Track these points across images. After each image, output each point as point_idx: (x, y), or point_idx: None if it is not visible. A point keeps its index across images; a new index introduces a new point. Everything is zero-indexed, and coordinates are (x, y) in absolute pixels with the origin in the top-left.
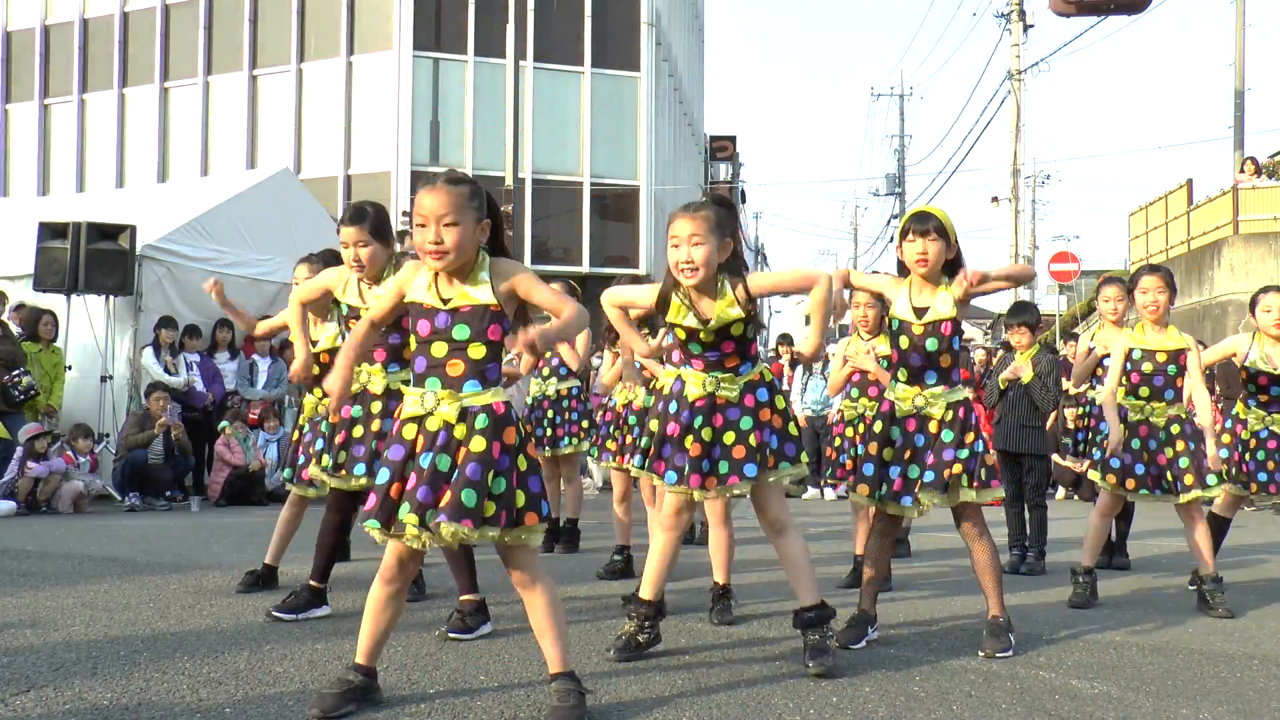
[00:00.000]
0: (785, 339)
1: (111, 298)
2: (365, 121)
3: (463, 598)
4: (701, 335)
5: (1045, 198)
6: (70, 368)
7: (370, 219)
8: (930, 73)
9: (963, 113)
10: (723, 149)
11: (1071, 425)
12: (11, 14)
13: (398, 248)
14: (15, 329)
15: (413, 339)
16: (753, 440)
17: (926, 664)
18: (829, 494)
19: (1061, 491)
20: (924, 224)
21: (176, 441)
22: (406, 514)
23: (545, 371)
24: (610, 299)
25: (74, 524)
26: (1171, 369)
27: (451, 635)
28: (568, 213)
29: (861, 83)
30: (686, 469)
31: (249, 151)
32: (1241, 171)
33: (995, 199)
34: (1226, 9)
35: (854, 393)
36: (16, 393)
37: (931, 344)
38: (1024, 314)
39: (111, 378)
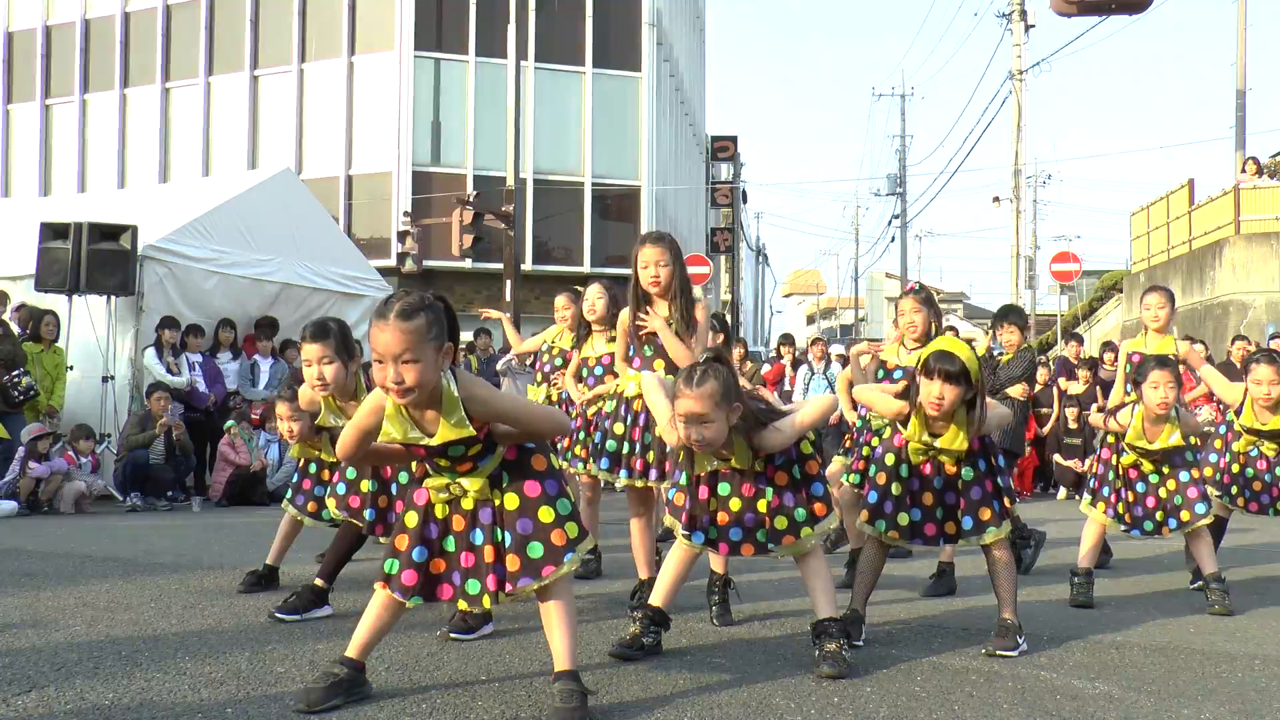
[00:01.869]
0: (786, 339)
1: (113, 298)
2: (366, 122)
3: None
4: (733, 463)
5: (1046, 198)
6: (72, 368)
7: (334, 335)
8: (931, 73)
9: (964, 113)
10: (724, 149)
11: (1073, 425)
12: (13, 14)
13: (359, 362)
14: (16, 329)
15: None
16: (777, 517)
17: (928, 664)
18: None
19: (1063, 491)
20: (950, 365)
21: (178, 442)
22: (477, 591)
23: (539, 378)
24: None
25: (75, 524)
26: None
27: (454, 635)
28: (569, 213)
29: (863, 83)
30: (716, 537)
31: (250, 152)
32: (1243, 171)
33: (996, 199)
34: (1228, 9)
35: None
36: (16, 393)
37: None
38: (1013, 314)
39: (113, 378)
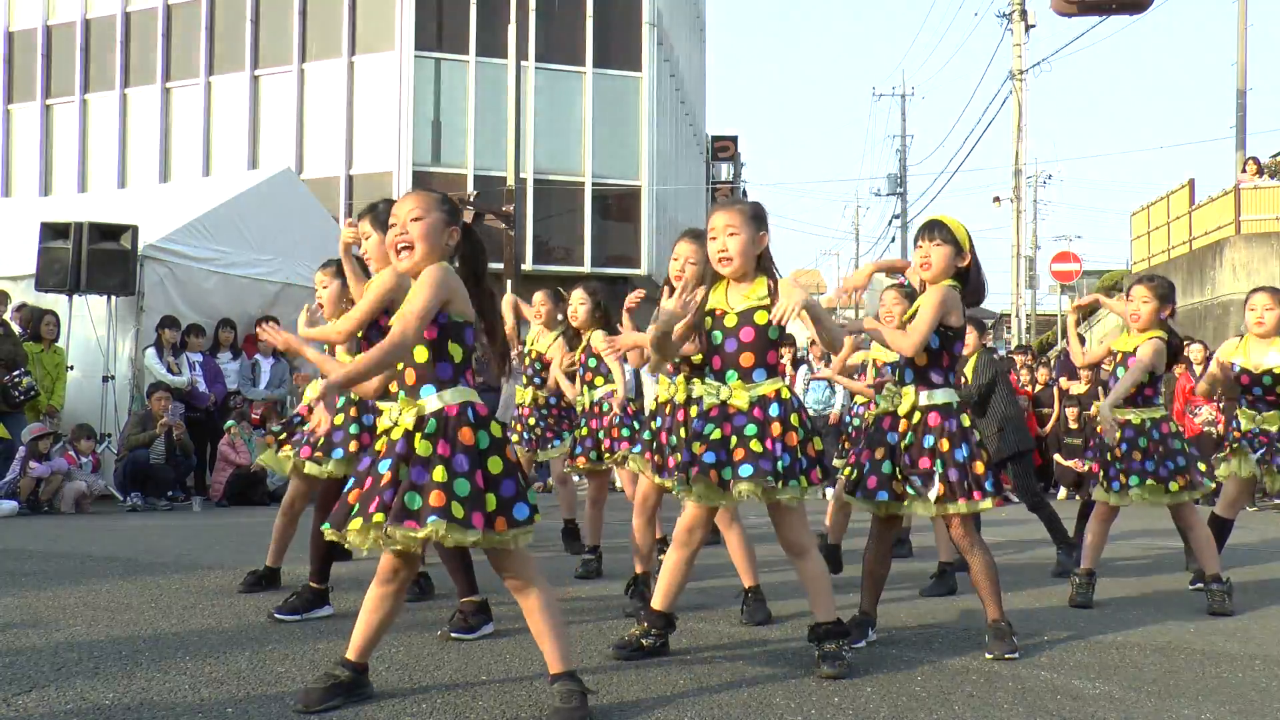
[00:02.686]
0: (787, 339)
1: (113, 298)
2: (367, 122)
3: (462, 599)
4: (727, 320)
5: (1047, 198)
6: (72, 368)
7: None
8: (932, 73)
9: (964, 113)
10: (724, 149)
11: (1073, 425)
12: (14, 14)
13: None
14: (17, 329)
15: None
16: (754, 446)
17: (928, 664)
18: (829, 493)
19: (1063, 491)
20: (930, 231)
21: (178, 441)
22: (353, 517)
23: (524, 379)
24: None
25: (76, 524)
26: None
27: (454, 635)
28: (569, 213)
29: (863, 83)
30: (687, 464)
31: (251, 152)
32: (1243, 171)
33: (997, 199)
34: (1228, 9)
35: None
36: (17, 393)
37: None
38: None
39: (113, 378)
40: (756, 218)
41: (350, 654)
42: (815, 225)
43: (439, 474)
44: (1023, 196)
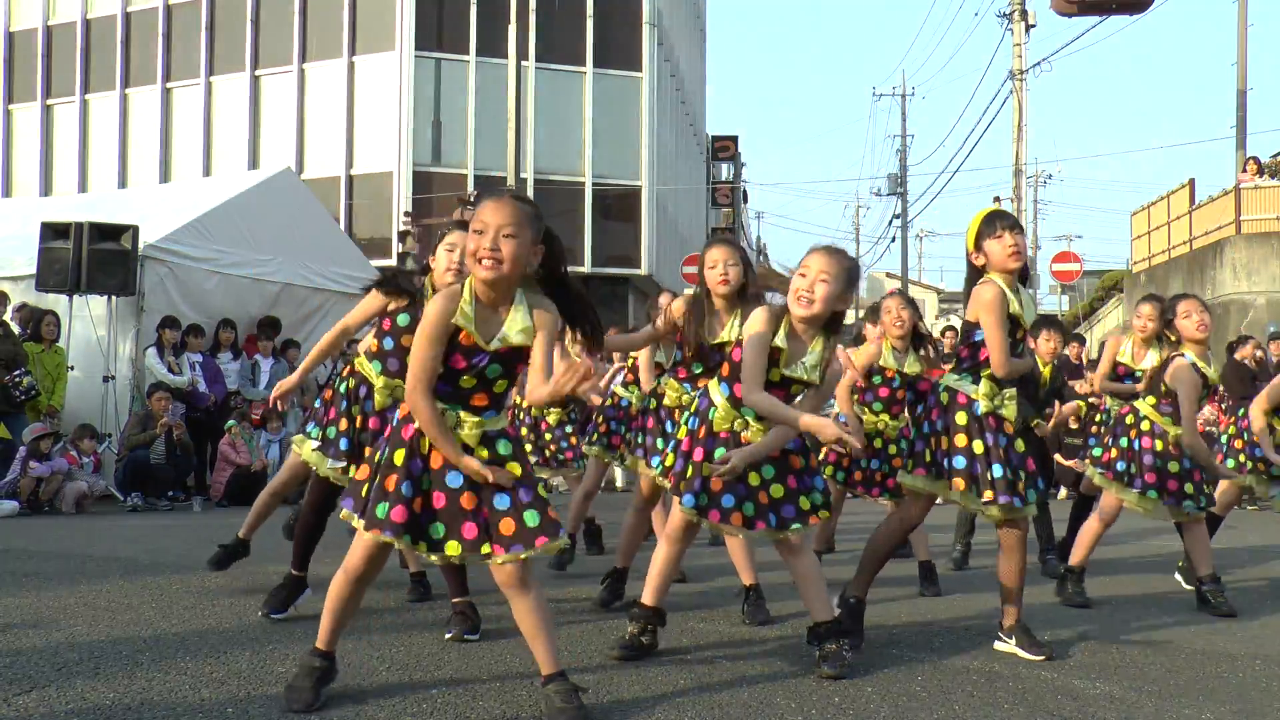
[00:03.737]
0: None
1: (114, 298)
2: (367, 122)
3: (456, 600)
4: (771, 375)
5: (1047, 198)
6: (73, 368)
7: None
8: (932, 73)
9: (964, 112)
10: (725, 149)
11: (1074, 425)
12: (14, 14)
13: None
14: (17, 329)
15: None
16: (774, 493)
17: (928, 664)
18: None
19: (1063, 491)
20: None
21: (178, 441)
22: (441, 535)
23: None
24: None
25: (76, 524)
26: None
27: (467, 637)
28: (569, 213)
29: (863, 82)
30: (705, 501)
31: (251, 152)
32: (1244, 171)
33: (997, 199)
34: (1228, 8)
35: (877, 405)
36: (18, 393)
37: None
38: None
39: (114, 378)
40: (850, 279)
41: (321, 644)
42: (816, 225)
43: (542, 490)
44: (1023, 196)
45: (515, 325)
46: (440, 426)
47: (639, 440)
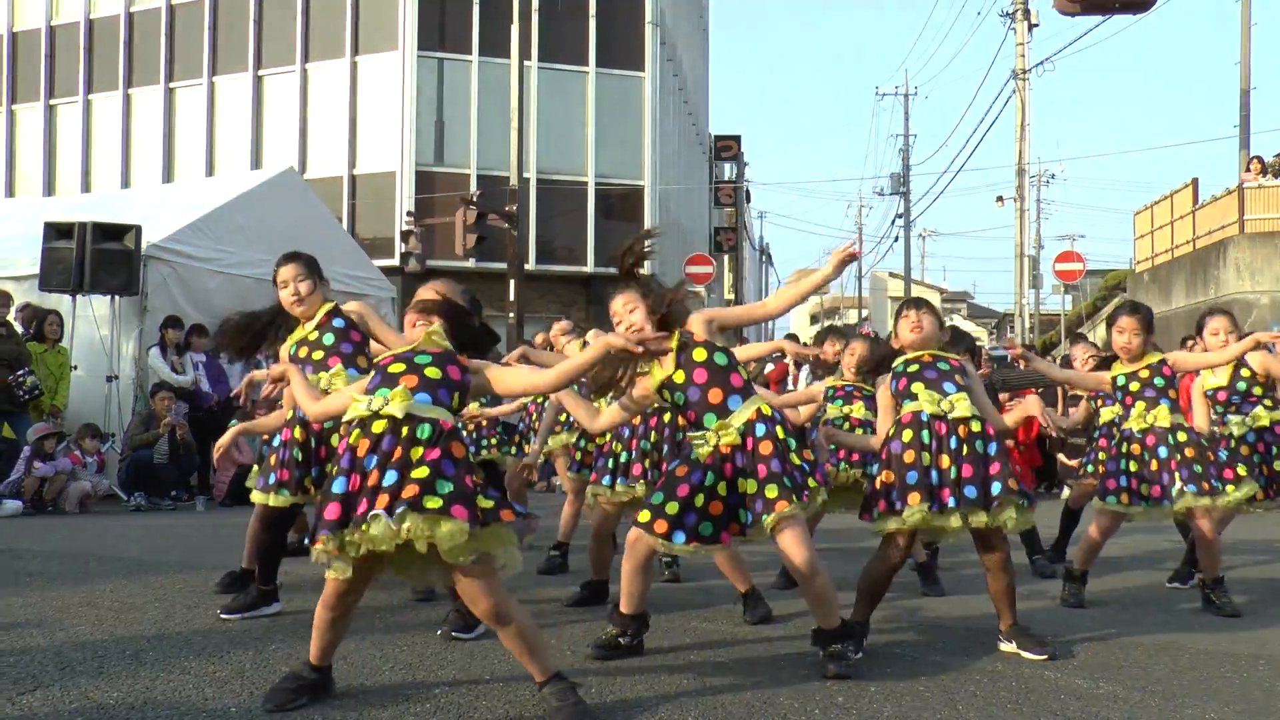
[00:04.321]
0: (791, 339)
1: (117, 298)
2: (370, 121)
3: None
4: (676, 378)
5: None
6: (76, 368)
7: (304, 259)
8: (935, 72)
9: (967, 112)
10: (727, 148)
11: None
12: (18, 14)
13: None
14: (20, 329)
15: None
16: (751, 488)
17: (932, 663)
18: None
19: (1067, 490)
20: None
21: (182, 441)
22: (369, 521)
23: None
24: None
25: (80, 524)
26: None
27: (455, 635)
28: (572, 213)
29: (866, 82)
30: (709, 529)
31: (254, 151)
32: (1247, 170)
33: (1000, 198)
34: (1232, 8)
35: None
36: (21, 393)
37: None
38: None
39: (117, 378)
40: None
41: (313, 659)
42: (818, 225)
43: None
44: (1026, 196)
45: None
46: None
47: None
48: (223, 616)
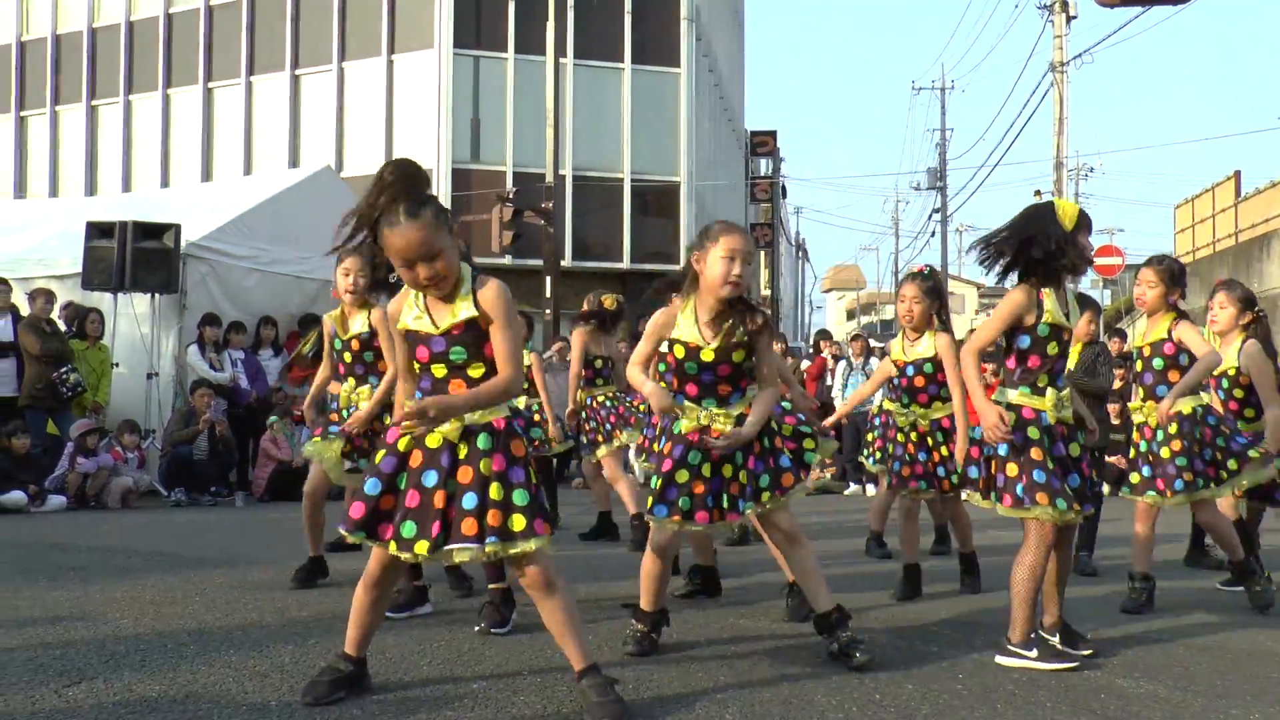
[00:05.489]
0: (825, 335)
1: (157, 295)
2: (406, 120)
3: (492, 585)
4: (703, 354)
5: (1089, 191)
6: (117, 365)
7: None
8: (972, 65)
9: (1004, 106)
10: (763, 144)
11: (1115, 420)
12: (61, 18)
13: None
14: (63, 327)
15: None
16: (742, 478)
17: (970, 662)
18: (870, 490)
19: (1106, 488)
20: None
21: (221, 437)
22: (412, 534)
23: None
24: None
25: (122, 519)
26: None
27: (491, 630)
28: (608, 209)
29: (902, 76)
30: (687, 504)
31: (291, 150)
32: None
33: (1038, 192)
34: None
35: (904, 399)
36: (65, 390)
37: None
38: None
39: (157, 375)
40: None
41: (349, 649)
42: (855, 220)
43: (495, 492)
44: (1064, 190)
45: (461, 299)
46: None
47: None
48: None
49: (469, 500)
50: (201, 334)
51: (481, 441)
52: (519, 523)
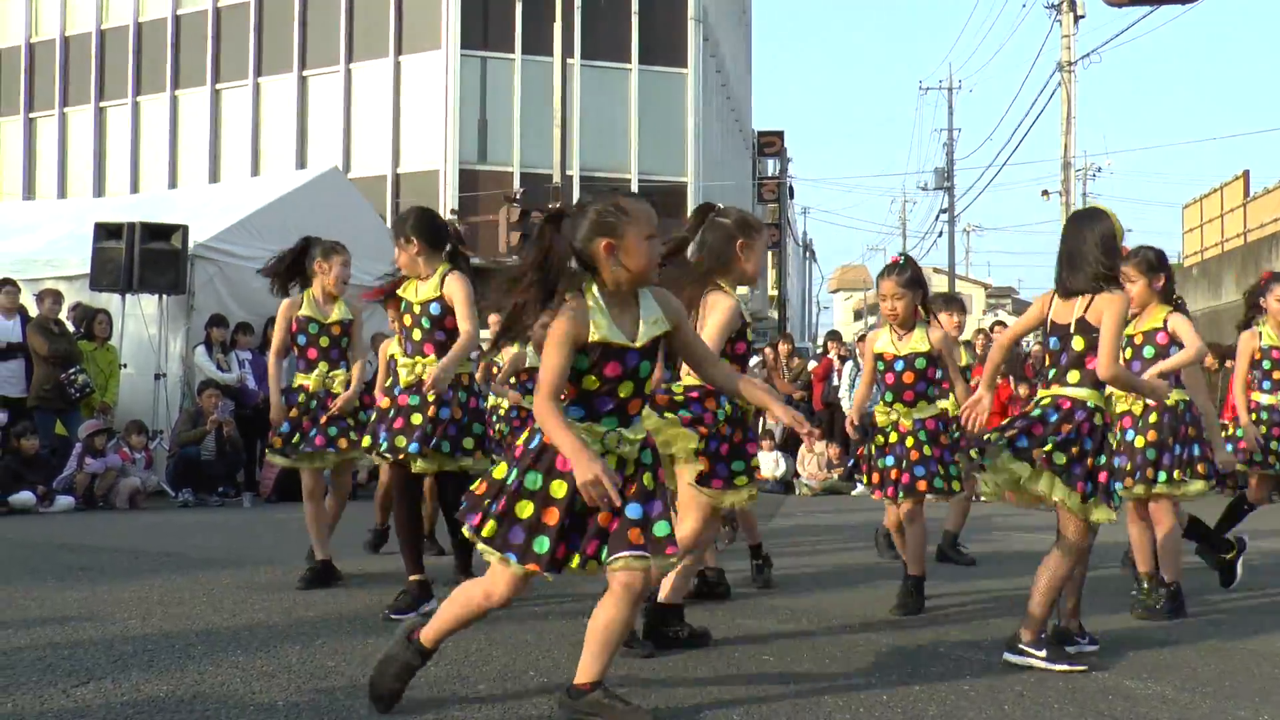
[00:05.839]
0: (833, 335)
1: (164, 296)
2: (414, 120)
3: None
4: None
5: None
6: (125, 365)
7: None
8: (979, 65)
9: (1012, 105)
10: (771, 144)
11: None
12: (69, 19)
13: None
14: (71, 328)
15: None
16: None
17: (977, 662)
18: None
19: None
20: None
21: (228, 438)
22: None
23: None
24: None
25: (130, 519)
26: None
27: (394, 616)
28: None
29: (909, 76)
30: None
31: (299, 151)
32: None
33: (1045, 192)
34: None
35: (888, 396)
36: (73, 390)
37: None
38: (954, 303)
39: (165, 375)
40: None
41: (428, 641)
42: (862, 220)
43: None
44: (1072, 190)
45: (648, 320)
46: (573, 436)
47: None
48: (391, 617)
49: (633, 511)
50: (209, 335)
51: (646, 456)
52: (662, 530)
